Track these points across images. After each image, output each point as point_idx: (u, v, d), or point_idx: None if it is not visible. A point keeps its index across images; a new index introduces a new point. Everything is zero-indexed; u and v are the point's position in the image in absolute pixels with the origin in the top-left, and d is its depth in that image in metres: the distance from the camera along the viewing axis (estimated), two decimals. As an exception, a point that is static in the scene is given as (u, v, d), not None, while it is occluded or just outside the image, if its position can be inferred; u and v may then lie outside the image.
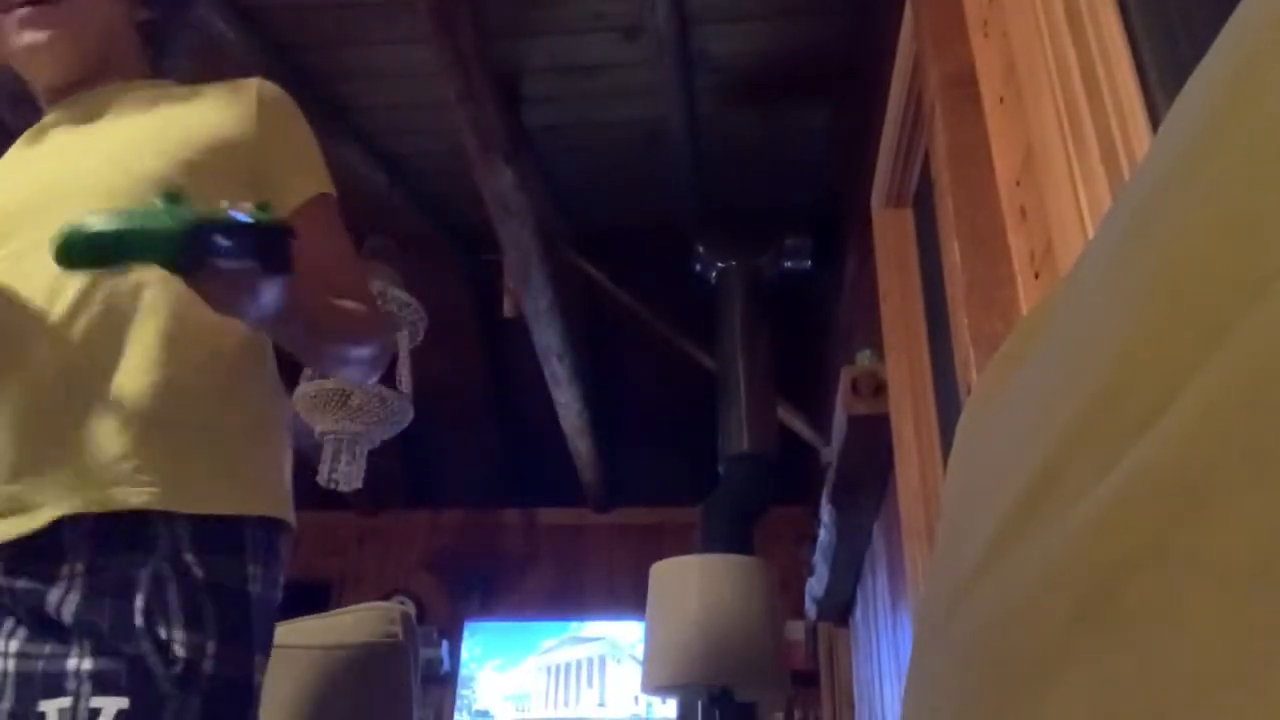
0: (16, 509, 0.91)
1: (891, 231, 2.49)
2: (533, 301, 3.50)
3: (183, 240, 0.78)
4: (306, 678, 1.39)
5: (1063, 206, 1.09)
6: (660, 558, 2.51)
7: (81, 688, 0.84)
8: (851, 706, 3.41)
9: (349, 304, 1.06)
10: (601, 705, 4.67)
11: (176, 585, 0.90)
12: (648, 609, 2.43)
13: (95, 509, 0.90)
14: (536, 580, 5.00)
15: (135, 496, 0.90)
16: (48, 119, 1.12)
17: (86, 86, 1.11)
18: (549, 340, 3.67)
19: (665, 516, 4.91)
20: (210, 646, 0.89)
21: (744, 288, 3.66)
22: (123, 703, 0.84)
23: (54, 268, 0.81)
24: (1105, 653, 0.30)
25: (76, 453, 0.92)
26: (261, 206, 0.82)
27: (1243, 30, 0.33)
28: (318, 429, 3.42)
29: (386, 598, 4.66)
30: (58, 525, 0.90)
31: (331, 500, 4.36)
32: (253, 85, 1.12)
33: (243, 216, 0.80)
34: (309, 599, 3.62)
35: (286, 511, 1.02)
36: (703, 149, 3.53)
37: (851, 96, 3.07)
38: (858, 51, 2.91)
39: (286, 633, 1.48)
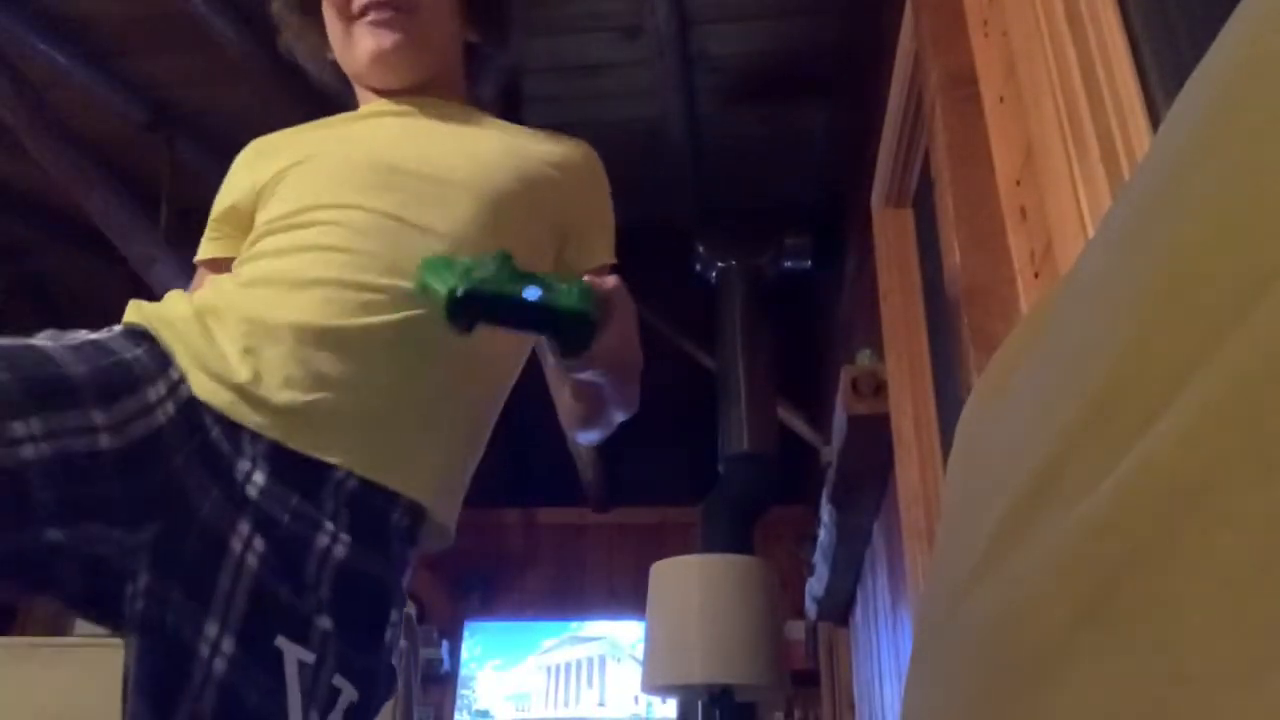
0: (308, 422, 0.86)
1: (891, 231, 2.49)
2: (533, 301, 3.50)
3: (452, 307, 0.79)
4: (307, 677, 1.39)
5: (1063, 206, 1.09)
6: (660, 557, 2.51)
7: (328, 653, 0.78)
8: (851, 706, 3.41)
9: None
10: (601, 705, 4.68)
11: (403, 599, 0.89)
12: (648, 609, 2.43)
13: (383, 481, 0.87)
14: (536, 580, 5.00)
15: (427, 499, 0.91)
16: (374, 107, 1.14)
17: (414, 95, 1.13)
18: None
19: (665, 516, 4.91)
20: (402, 660, 0.93)
21: (744, 287, 3.66)
22: (355, 695, 0.80)
23: (399, 243, 0.92)
24: (1106, 652, 0.30)
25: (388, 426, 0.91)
26: (583, 291, 0.82)
27: (1243, 30, 0.33)
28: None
29: (386, 597, 4.66)
30: (331, 470, 0.85)
31: (331, 500, 4.36)
32: (582, 144, 1.16)
33: (533, 293, 0.80)
34: (309, 599, 3.62)
35: None
36: (703, 149, 3.54)
37: (851, 96, 3.07)
38: (858, 51, 2.91)
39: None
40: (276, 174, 1.04)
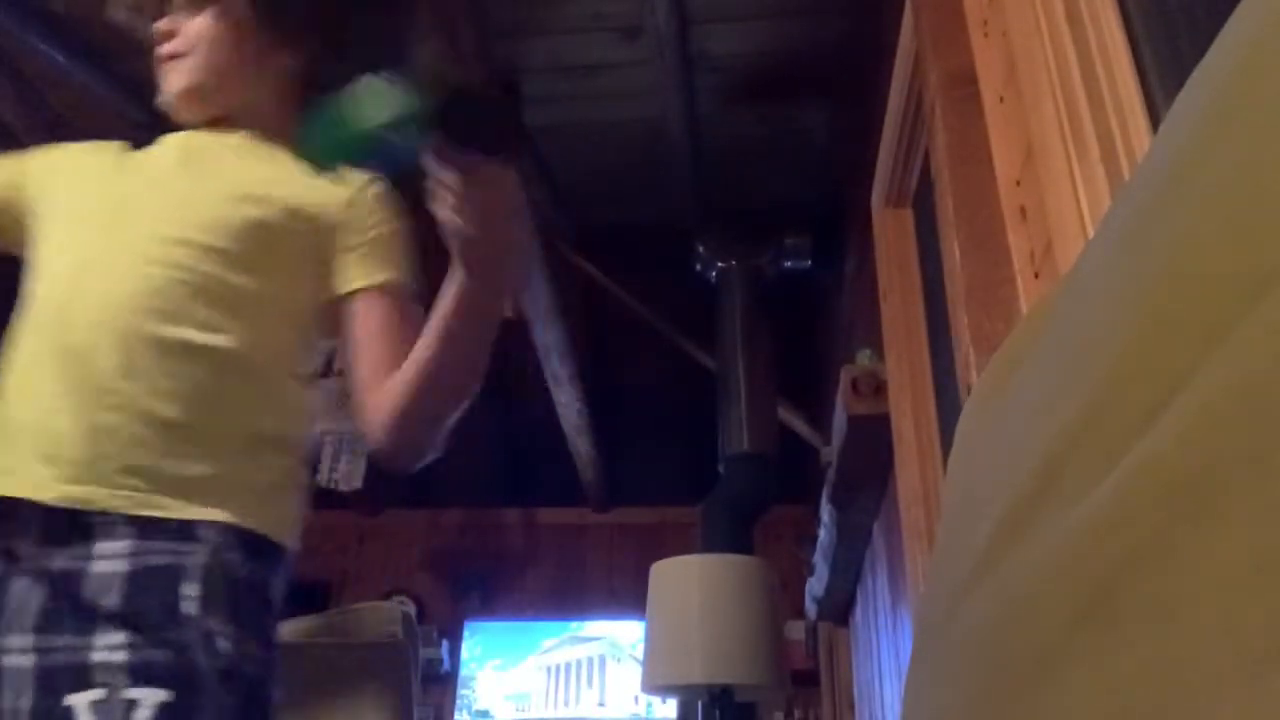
0: (69, 475, 0.91)
1: (891, 231, 2.49)
2: (533, 301, 3.50)
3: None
4: (307, 677, 1.39)
5: (1063, 206, 1.09)
6: (660, 557, 2.51)
7: (115, 679, 0.82)
8: (851, 706, 3.41)
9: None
10: (601, 705, 4.67)
11: (224, 579, 0.90)
12: (648, 609, 2.43)
13: (142, 511, 0.91)
14: (536, 580, 5.00)
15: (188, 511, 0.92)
16: (169, 139, 1.17)
17: (223, 127, 1.17)
18: (549, 339, 3.67)
19: (665, 516, 4.91)
20: (251, 646, 0.89)
21: (744, 287, 3.66)
22: (163, 695, 0.82)
23: (110, 282, 0.96)
24: (1105, 652, 0.30)
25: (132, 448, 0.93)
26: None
27: (1243, 30, 0.33)
28: (317, 429, 3.42)
29: (386, 597, 4.66)
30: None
31: (331, 500, 4.36)
32: (357, 178, 1.16)
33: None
34: (309, 599, 3.63)
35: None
36: (703, 148, 3.53)
37: (851, 96, 3.07)
38: (858, 51, 2.91)
39: (286, 632, 1.48)
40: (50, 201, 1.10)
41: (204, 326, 0.99)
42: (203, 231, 1.03)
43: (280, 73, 1.20)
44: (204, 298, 1.00)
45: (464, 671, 4.77)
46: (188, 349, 0.98)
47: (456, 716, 4.66)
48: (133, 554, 0.88)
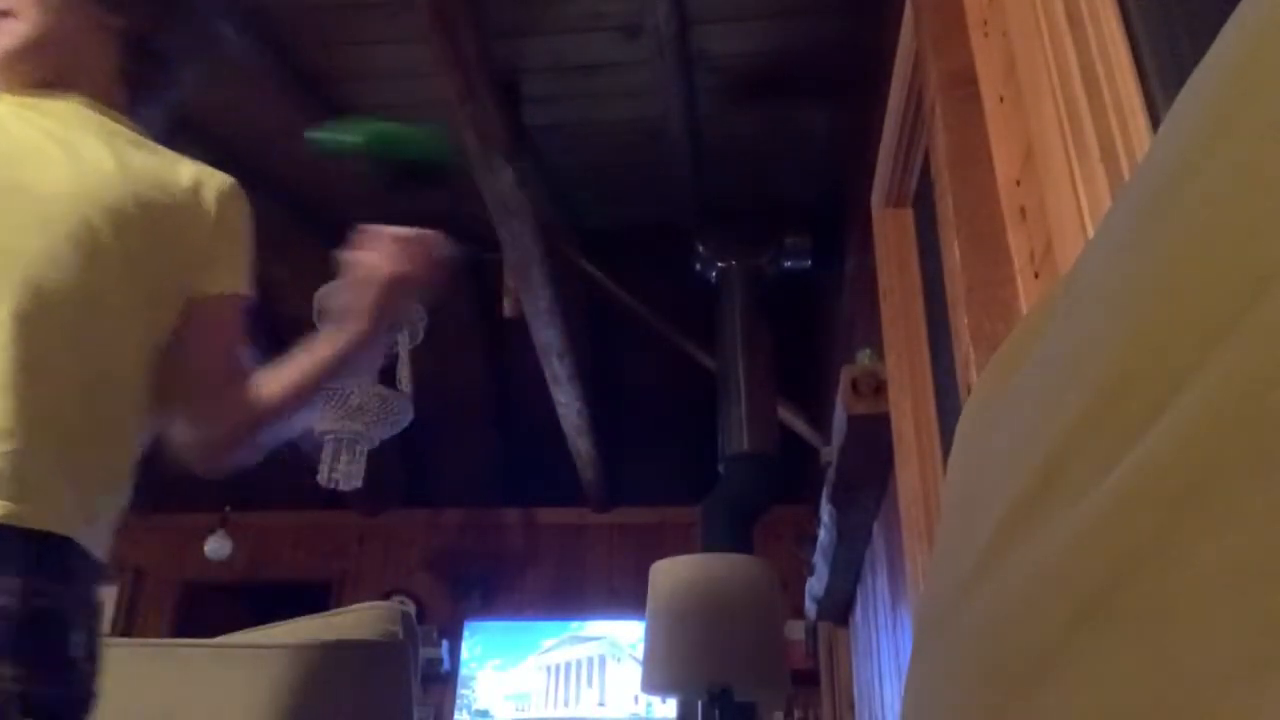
0: None
1: (892, 231, 2.49)
2: (533, 301, 3.50)
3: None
4: (307, 677, 1.39)
5: (1063, 206, 1.09)
6: (660, 557, 2.51)
7: (8, 704, 0.81)
8: (851, 706, 3.41)
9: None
10: (601, 705, 4.68)
11: (72, 599, 0.89)
12: (648, 608, 2.43)
13: None
14: (536, 580, 5.00)
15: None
16: (10, 106, 1.10)
17: (49, 92, 1.10)
18: (549, 340, 3.67)
19: (665, 516, 4.91)
20: (43, 678, 0.86)
21: (744, 287, 3.67)
22: None
23: None
24: (1105, 652, 0.30)
25: None
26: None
27: (1243, 30, 0.33)
28: (318, 429, 3.43)
29: (386, 597, 4.67)
30: None
31: (331, 500, 4.37)
32: (220, 177, 1.14)
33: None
34: (309, 599, 3.63)
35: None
36: (703, 148, 3.54)
37: (851, 96, 3.07)
38: (858, 51, 2.91)
39: (287, 633, 1.48)
40: None
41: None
42: (90, 229, 0.99)
43: (112, 37, 1.14)
44: (75, 314, 0.96)
45: (464, 671, 4.77)
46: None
47: (456, 716, 4.66)
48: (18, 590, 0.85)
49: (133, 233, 1.01)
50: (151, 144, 1.14)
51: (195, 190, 1.09)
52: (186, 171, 1.11)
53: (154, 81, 1.20)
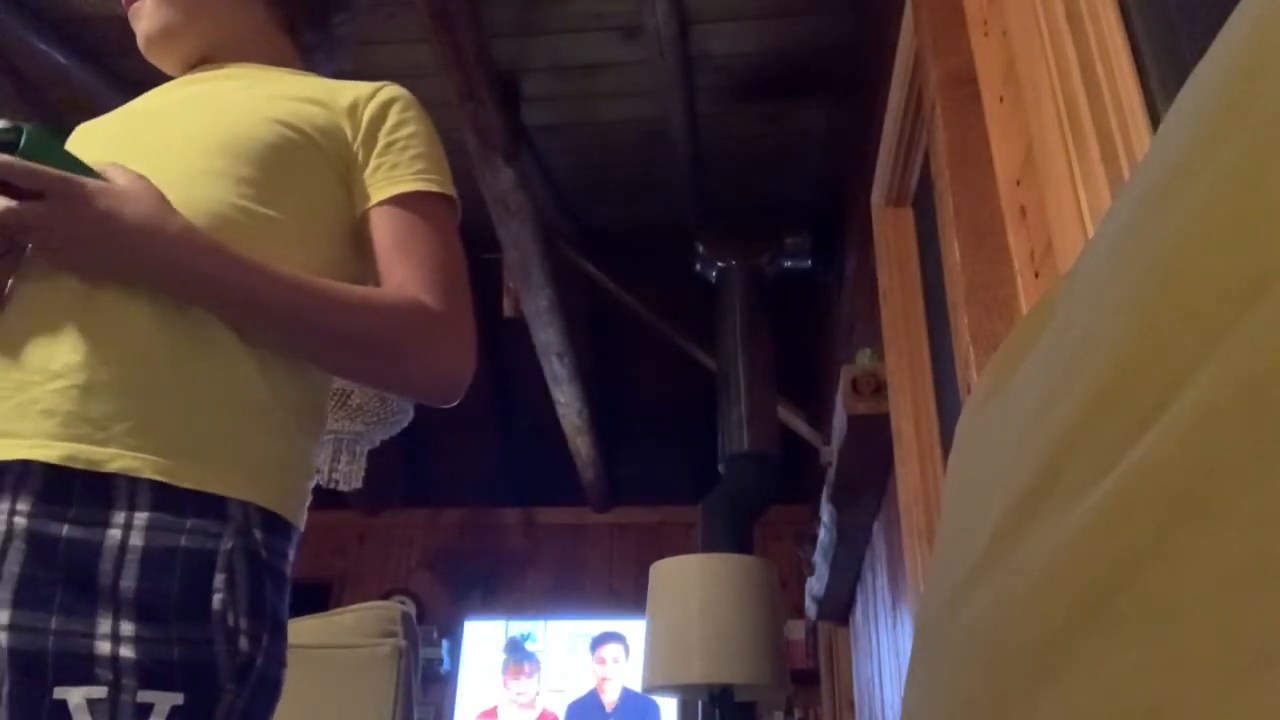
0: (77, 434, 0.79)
1: (891, 230, 2.49)
2: (533, 301, 3.50)
3: None
4: (306, 678, 1.39)
5: (1062, 206, 1.09)
6: (660, 557, 2.51)
7: (124, 678, 0.72)
8: (851, 705, 3.41)
9: (351, 289, 0.92)
10: (602, 704, 4.67)
11: (249, 566, 0.80)
12: (648, 608, 2.43)
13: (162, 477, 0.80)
14: (537, 580, 5.00)
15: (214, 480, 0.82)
16: (158, 89, 1.08)
17: (206, 69, 1.08)
18: (549, 339, 3.67)
19: (665, 516, 4.91)
20: (267, 639, 0.81)
21: (744, 286, 3.67)
22: (178, 698, 0.73)
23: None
24: (1104, 652, 0.30)
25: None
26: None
27: (1242, 30, 0.33)
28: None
29: (386, 597, 4.67)
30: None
31: (331, 500, 4.36)
32: (377, 89, 1.05)
33: None
34: (309, 599, 3.62)
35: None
36: (703, 148, 3.54)
37: (851, 95, 3.07)
38: (858, 50, 2.91)
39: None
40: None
41: None
42: (226, 159, 0.93)
43: (260, 5, 1.11)
44: (230, 234, 0.89)
45: (464, 671, 4.77)
46: None
47: (456, 716, 4.66)
48: (154, 528, 0.77)
49: (273, 161, 0.95)
50: (312, 78, 1.08)
51: (352, 109, 1.02)
52: (347, 93, 1.03)
53: (320, 26, 1.16)
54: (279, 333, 0.89)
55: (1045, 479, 0.38)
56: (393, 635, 1.48)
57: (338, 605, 3.53)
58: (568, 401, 3.99)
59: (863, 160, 2.76)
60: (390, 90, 1.06)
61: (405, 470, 4.98)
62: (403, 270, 0.95)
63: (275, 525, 0.86)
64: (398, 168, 1.01)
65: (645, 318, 3.95)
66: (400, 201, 0.99)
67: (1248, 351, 0.27)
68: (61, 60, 2.91)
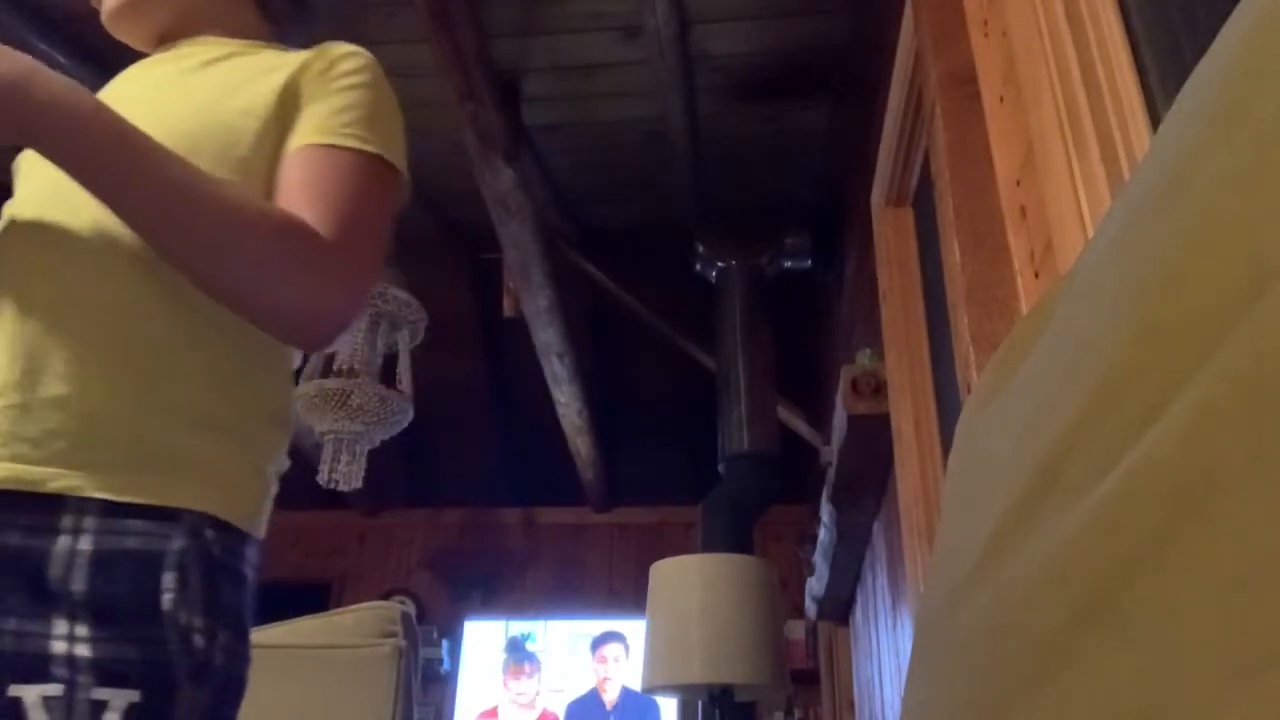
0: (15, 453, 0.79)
1: (891, 230, 2.49)
2: (533, 300, 3.50)
3: None
4: (306, 678, 1.39)
5: (1062, 206, 1.09)
6: (660, 557, 2.51)
7: (79, 676, 0.73)
8: (851, 705, 3.41)
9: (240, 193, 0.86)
10: (602, 704, 4.67)
11: (201, 565, 0.80)
12: (648, 608, 2.43)
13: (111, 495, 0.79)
14: (536, 580, 5.00)
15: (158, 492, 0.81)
16: (126, 72, 1.06)
17: (174, 45, 1.06)
18: (549, 339, 3.67)
19: (665, 515, 4.91)
20: (226, 638, 0.81)
21: (744, 286, 3.67)
22: (134, 696, 0.73)
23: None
24: (1104, 652, 0.30)
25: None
26: None
27: (1242, 30, 0.33)
28: (318, 429, 3.43)
29: (386, 597, 4.67)
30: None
31: (331, 500, 4.36)
32: (326, 48, 1.01)
33: None
34: (309, 599, 3.62)
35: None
36: (703, 148, 3.54)
37: (851, 95, 3.07)
38: (858, 50, 2.91)
39: (286, 633, 1.48)
40: None
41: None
42: (189, 156, 0.88)
43: None
44: None
45: (464, 671, 4.77)
46: (164, 291, 0.85)
47: (456, 716, 4.66)
48: (102, 532, 0.78)
49: (234, 155, 0.92)
50: (278, 50, 1.05)
51: (307, 66, 0.98)
52: (309, 55, 1.00)
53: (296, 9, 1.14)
54: (149, 213, 0.83)
55: (1045, 479, 0.38)
56: (393, 635, 1.48)
57: (338, 605, 3.52)
58: (568, 401, 3.99)
59: (863, 160, 2.76)
60: (349, 49, 1.02)
61: (405, 470, 4.98)
62: (299, 203, 0.89)
63: (230, 529, 0.85)
64: (330, 118, 0.95)
65: (645, 318, 3.95)
66: (321, 150, 0.93)
67: (1248, 352, 0.27)
68: (62, 60, 2.91)
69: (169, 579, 0.78)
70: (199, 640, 0.79)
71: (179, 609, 0.78)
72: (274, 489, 0.95)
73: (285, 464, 0.98)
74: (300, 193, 0.89)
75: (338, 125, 0.94)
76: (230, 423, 0.88)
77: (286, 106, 0.96)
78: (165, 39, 1.07)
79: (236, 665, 0.84)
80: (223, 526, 0.84)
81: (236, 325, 0.88)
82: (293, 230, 0.85)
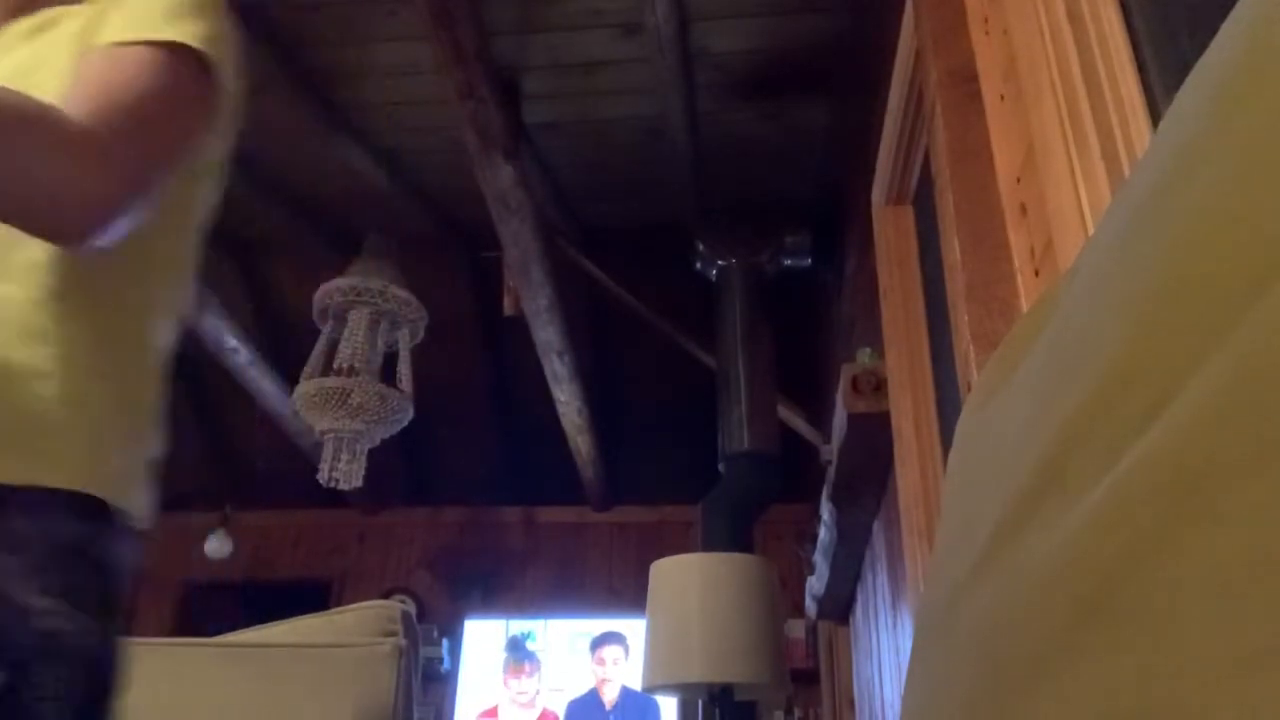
0: None
1: (892, 228, 2.49)
2: (533, 299, 3.50)
3: None
4: (306, 677, 1.39)
5: (1063, 203, 1.09)
6: (660, 556, 2.51)
7: None
8: (851, 704, 3.41)
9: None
10: (602, 703, 4.67)
11: (43, 546, 0.79)
12: (648, 607, 2.43)
13: None
14: (536, 579, 5.00)
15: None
16: None
17: (28, 12, 1.03)
18: (549, 338, 3.67)
19: (665, 514, 4.91)
20: (77, 619, 0.79)
21: (744, 285, 3.66)
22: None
23: None
24: (1105, 650, 0.30)
25: None
26: None
27: (1242, 29, 0.33)
28: (318, 427, 3.43)
29: (386, 596, 4.67)
30: None
31: (332, 498, 4.37)
32: None
33: None
34: (309, 597, 3.62)
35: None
36: (703, 146, 3.54)
37: (852, 93, 3.07)
38: (858, 48, 2.91)
39: (286, 632, 1.48)
40: None
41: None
42: None
43: None
44: None
45: (464, 670, 4.77)
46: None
47: (456, 716, 4.66)
48: None
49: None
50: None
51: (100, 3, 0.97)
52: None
53: None
54: None
55: (1045, 478, 0.38)
56: (393, 634, 1.47)
57: (337, 604, 3.52)
58: (568, 400, 3.99)
59: (863, 158, 2.76)
60: None
61: (405, 469, 4.98)
62: (71, 101, 0.85)
63: (83, 506, 0.83)
64: (121, 27, 0.92)
65: (645, 316, 3.95)
66: (98, 51, 0.90)
67: (1248, 350, 0.27)
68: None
69: (11, 562, 0.77)
70: (49, 622, 0.77)
71: (11, 590, 0.76)
72: (142, 473, 0.92)
73: (155, 450, 0.95)
74: (72, 91, 0.86)
75: (121, 26, 0.92)
76: (78, 396, 0.85)
77: (87, 42, 0.94)
78: (20, 9, 1.05)
79: (100, 648, 0.82)
80: (77, 506, 0.82)
81: (93, 308, 0.87)
82: (40, 117, 0.80)
